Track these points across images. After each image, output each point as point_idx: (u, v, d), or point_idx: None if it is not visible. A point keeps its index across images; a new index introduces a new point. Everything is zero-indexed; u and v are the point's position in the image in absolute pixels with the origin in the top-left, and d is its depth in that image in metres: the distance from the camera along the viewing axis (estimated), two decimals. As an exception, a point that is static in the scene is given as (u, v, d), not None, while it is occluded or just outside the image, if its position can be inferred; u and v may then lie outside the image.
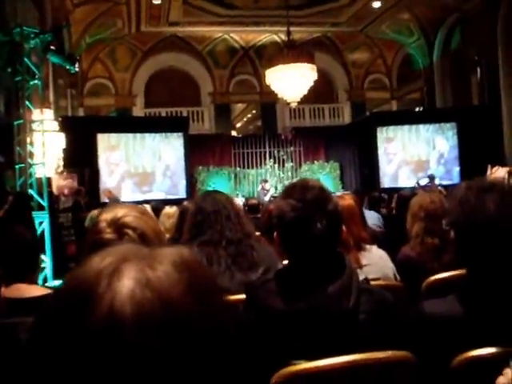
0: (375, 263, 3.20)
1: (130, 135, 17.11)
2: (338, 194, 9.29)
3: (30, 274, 2.83)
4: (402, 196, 5.70)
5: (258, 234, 4.19)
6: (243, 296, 1.93)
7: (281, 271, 1.89)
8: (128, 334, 0.55)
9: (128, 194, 16.25)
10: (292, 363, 1.65)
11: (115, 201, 12.39)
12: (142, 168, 17.33)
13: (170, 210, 6.18)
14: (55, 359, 0.58)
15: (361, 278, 1.99)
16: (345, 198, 3.44)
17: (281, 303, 1.69)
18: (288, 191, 1.84)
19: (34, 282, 2.87)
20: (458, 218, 1.83)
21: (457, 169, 17.90)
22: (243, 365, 0.65)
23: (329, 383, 1.69)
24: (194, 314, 0.58)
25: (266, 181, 17.31)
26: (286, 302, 1.69)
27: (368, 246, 3.28)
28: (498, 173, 2.38)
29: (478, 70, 17.98)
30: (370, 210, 7.04)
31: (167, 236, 4.74)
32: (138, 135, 17.18)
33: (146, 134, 17.25)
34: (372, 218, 6.63)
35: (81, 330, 0.56)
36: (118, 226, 1.53)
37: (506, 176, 2.33)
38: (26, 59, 8.85)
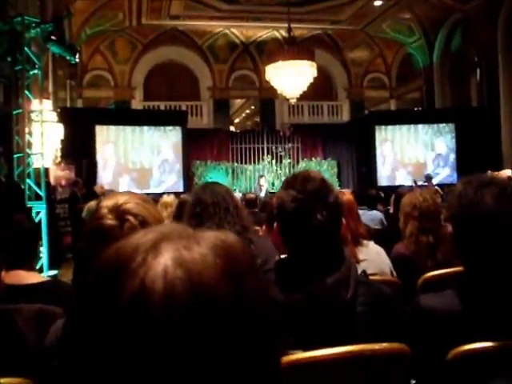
0: (372, 259, 3.22)
1: (129, 129, 17.13)
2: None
3: (30, 261, 2.85)
4: (400, 194, 5.70)
5: (256, 228, 4.21)
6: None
7: (280, 262, 1.90)
8: (156, 311, 0.55)
9: (125, 189, 16.23)
10: (289, 353, 1.67)
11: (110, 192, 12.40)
12: (140, 164, 17.36)
13: (168, 198, 6.10)
14: (86, 330, 0.59)
15: (359, 271, 2.01)
16: (344, 193, 3.45)
17: (279, 293, 1.70)
18: (289, 182, 1.84)
19: (32, 268, 2.89)
20: (456, 212, 1.85)
21: (455, 171, 17.93)
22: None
23: (325, 373, 1.70)
24: (225, 298, 0.58)
25: (262, 176, 17.38)
26: (285, 292, 1.70)
27: (365, 242, 3.30)
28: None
29: (478, 71, 18.02)
30: (372, 209, 7.01)
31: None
32: (137, 129, 17.21)
33: (145, 129, 17.28)
34: (375, 219, 6.60)
35: (111, 302, 0.57)
36: (119, 212, 1.53)
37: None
38: (26, 49, 8.83)
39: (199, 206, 2.99)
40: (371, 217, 6.49)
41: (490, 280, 1.77)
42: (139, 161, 17.36)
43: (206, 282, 0.57)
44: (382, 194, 9.07)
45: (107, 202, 1.58)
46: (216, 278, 0.58)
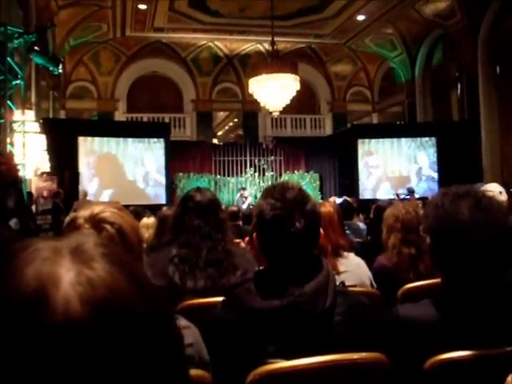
0: (352, 270, 3.23)
1: (113, 141, 17.07)
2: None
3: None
4: (380, 207, 5.73)
5: (237, 240, 4.22)
6: (221, 298, 1.96)
7: (260, 271, 1.92)
8: (87, 335, 0.53)
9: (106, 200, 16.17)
10: (268, 362, 1.67)
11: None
12: (124, 176, 17.31)
13: (149, 220, 6.08)
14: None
15: (337, 282, 2.03)
16: (325, 205, 3.47)
17: (258, 302, 1.72)
18: (268, 191, 1.87)
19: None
20: (432, 222, 1.88)
21: (436, 184, 18.06)
22: (221, 363, 0.65)
23: (304, 382, 1.72)
24: (138, 301, 0.57)
25: (245, 189, 17.47)
26: (263, 301, 1.72)
27: (346, 253, 3.31)
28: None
29: (459, 86, 18.22)
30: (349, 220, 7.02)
31: (144, 246, 4.68)
32: (121, 141, 17.15)
33: (129, 141, 17.23)
34: (357, 231, 6.60)
35: (35, 339, 0.53)
36: (96, 221, 1.54)
37: None
38: (8, 59, 8.81)
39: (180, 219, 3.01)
40: (352, 228, 6.51)
41: (465, 290, 1.81)
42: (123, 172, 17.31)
43: (123, 294, 0.57)
44: (355, 205, 9.09)
45: (83, 212, 1.58)
46: (127, 286, 0.58)
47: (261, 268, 1.94)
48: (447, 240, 1.82)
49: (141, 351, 0.56)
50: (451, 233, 1.80)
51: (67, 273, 0.56)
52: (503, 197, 3.60)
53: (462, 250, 1.78)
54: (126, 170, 17.32)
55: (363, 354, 1.73)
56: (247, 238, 1.98)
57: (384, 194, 17.42)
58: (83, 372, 0.52)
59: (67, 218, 1.68)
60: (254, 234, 1.86)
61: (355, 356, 1.72)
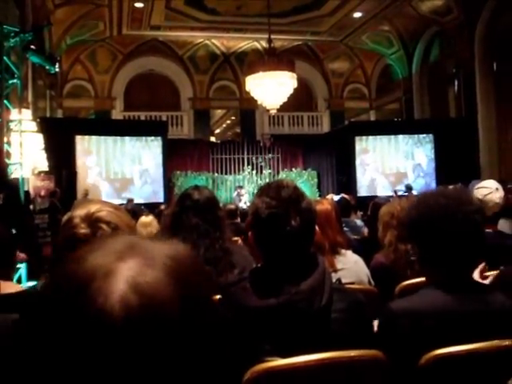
0: (350, 268, 3.23)
1: (110, 140, 17.06)
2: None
3: (6, 271, 2.82)
4: (377, 204, 5.72)
5: (235, 238, 4.22)
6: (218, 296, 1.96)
7: (255, 269, 1.92)
8: (114, 334, 0.58)
9: (104, 199, 16.16)
10: (265, 360, 1.68)
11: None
12: (121, 174, 17.30)
13: (147, 219, 6.07)
14: (39, 356, 0.61)
15: (334, 279, 2.03)
16: (322, 203, 3.46)
17: (254, 301, 1.72)
18: (263, 190, 1.87)
19: (9, 278, 2.86)
20: (410, 219, 2.06)
21: (433, 181, 18.07)
22: (220, 362, 0.67)
23: (301, 380, 1.72)
24: (176, 321, 0.61)
25: (241, 187, 17.48)
26: (259, 299, 1.72)
27: (343, 251, 3.31)
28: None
29: (456, 82, 18.23)
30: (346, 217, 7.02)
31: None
32: (118, 139, 17.14)
33: (127, 139, 17.22)
34: (355, 228, 6.60)
35: (69, 328, 0.59)
36: (92, 220, 1.54)
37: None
38: (5, 58, 8.78)
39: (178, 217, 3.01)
40: (349, 225, 6.51)
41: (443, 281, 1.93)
42: (121, 171, 17.31)
43: (157, 306, 0.60)
44: (353, 202, 9.10)
45: (79, 212, 1.58)
46: (166, 301, 0.61)
47: (256, 266, 1.94)
48: (423, 236, 1.97)
49: (161, 360, 0.59)
50: (424, 228, 1.96)
51: (127, 270, 0.62)
52: (500, 193, 3.60)
53: (438, 244, 1.93)
54: (124, 169, 17.31)
55: (360, 352, 1.74)
56: (242, 237, 2.00)
57: (382, 190, 17.44)
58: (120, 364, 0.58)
59: (65, 217, 1.68)
60: (250, 233, 1.87)
61: (352, 353, 1.72)
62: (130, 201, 14.91)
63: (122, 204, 11.84)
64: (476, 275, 2.47)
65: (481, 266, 2.57)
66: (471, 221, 1.90)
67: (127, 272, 0.62)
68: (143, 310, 0.59)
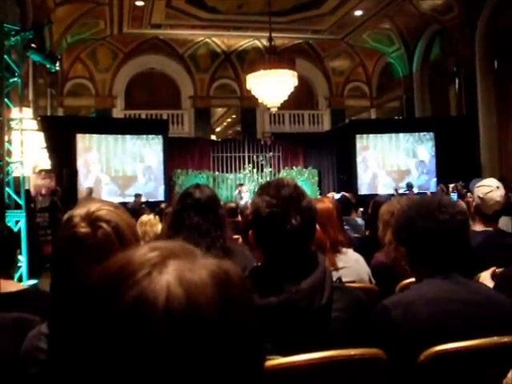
0: (351, 266, 3.24)
1: (111, 138, 17.09)
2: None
3: (7, 269, 2.83)
4: (378, 202, 5.72)
5: (236, 236, 4.23)
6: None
7: (256, 268, 1.92)
8: (153, 320, 0.60)
9: (106, 197, 16.18)
10: (266, 358, 1.68)
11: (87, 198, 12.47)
12: (123, 171, 17.32)
13: (147, 217, 6.01)
14: (82, 332, 0.64)
15: (335, 278, 2.04)
16: (323, 201, 3.47)
17: (255, 299, 1.72)
18: (263, 189, 1.88)
19: (10, 277, 2.87)
20: (397, 226, 2.21)
21: (434, 178, 18.09)
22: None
23: (302, 379, 1.72)
24: (213, 324, 0.62)
25: (242, 185, 17.50)
26: (260, 297, 1.72)
27: (344, 249, 3.31)
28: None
29: (457, 80, 18.24)
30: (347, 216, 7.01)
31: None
32: (119, 138, 17.16)
33: (127, 138, 17.24)
34: (356, 226, 6.59)
35: (113, 307, 0.62)
36: (92, 219, 1.54)
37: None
38: (5, 56, 8.77)
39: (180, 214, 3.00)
40: (350, 224, 6.50)
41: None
42: (122, 168, 17.33)
43: (200, 305, 0.62)
44: (353, 200, 9.09)
45: (79, 211, 1.58)
46: (209, 303, 0.63)
47: (257, 265, 1.94)
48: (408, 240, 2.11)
49: (198, 355, 0.61)
50: (410, 233, 2.08)
51: (177, 265, 0.65)
52: (500, 191, 3.60)
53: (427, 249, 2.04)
54: (125, 166, 17.33)
55: (361, 350, 1.74)
56: (242, 235, 2.00)
57: (383, 188, 17.45)
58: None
59: (65, 216, 1.68)
60: (250, 231, 1.87)
61: (353, 352, 1.73)
62: (137, 196, 14.96)
63: (125, 202, 11.86)
64: (487, 277, 2.54)
65: (491, 270, 2.61)
66: (456, 221, 2.01)
67: (178, 266, 0.65)
68: (185, 304, 0.61)
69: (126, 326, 0.60)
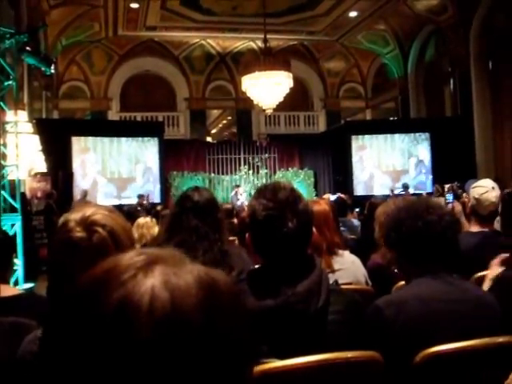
0: (347, 268, 3.24)
1: (106, 140, 17.06)
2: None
3: (3, 273, 2.83)
4: (374, 203, 5.73)
5: (232, 238, 4.22)
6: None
7: (253, 271, 1.93)
8: (137, 323, 0.59)
9: (102, 199, 16.17)
10: (262, 362, 1.68)
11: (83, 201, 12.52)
12: (118, 173, 17.30)
13: (144, 220, 5.98)
14: (68, 335, 0.63)
15: (331, 280, 2.04)
16: (319, 203, 3.47)
17: (251, 302, 1.72)
18: (260, 192, 1.88)
19: (6, 281, 2.86)
20: (387, 228, 2.23)
21: (430, 177, 18.14)
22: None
23: (299, 382, 1.72)
24: (198, 329, 0.61)
25: (239, 186, 17.48)
26: (257, 300, 1.72)
27: (340, 251, 3.31)
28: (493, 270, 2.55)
29: (451, 81, 18.26)
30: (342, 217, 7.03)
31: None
32: (115, 140, 17.15)
33: (123, 140, 17.22)
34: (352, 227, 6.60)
35: (96, 309, 0.61)
36: (88, 224, 1.54)
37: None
38: (0, 59, 8.76)
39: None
40: (346, 225, 6.52)
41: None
42: (117, 170, 17.32)
43: (184, 309, 0.61)
44: (349, 201, 9.12)
45: (74, 215, 1.58)
46: (194, 308, 0.62)
47: (254, 268, 1.94)
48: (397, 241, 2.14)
49: (185, 361, 0.60)
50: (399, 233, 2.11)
51: (163, 269, 0.65)
52: (496, 192, 3.61)
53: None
54: (121, 168, 17.32)
55: (357, 353, 1.74)
56: (238, 237, 2.00)
57: (379, 189, 17.46)
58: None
59: (61, 219, 1.68)
60: (247, 234, 1.87)
61: (349, 355, 1.73)
62: (141, 197, 14.94)
63: (121, 205, 11.83)
64: (496, 264, 2.58)
65: (501, 256, 2.65)
66: (444, 222, 2.05)
67: (163, 270, 0.64)
68: (170, 308, 0.60)
69: (111, 328, 0.59)
